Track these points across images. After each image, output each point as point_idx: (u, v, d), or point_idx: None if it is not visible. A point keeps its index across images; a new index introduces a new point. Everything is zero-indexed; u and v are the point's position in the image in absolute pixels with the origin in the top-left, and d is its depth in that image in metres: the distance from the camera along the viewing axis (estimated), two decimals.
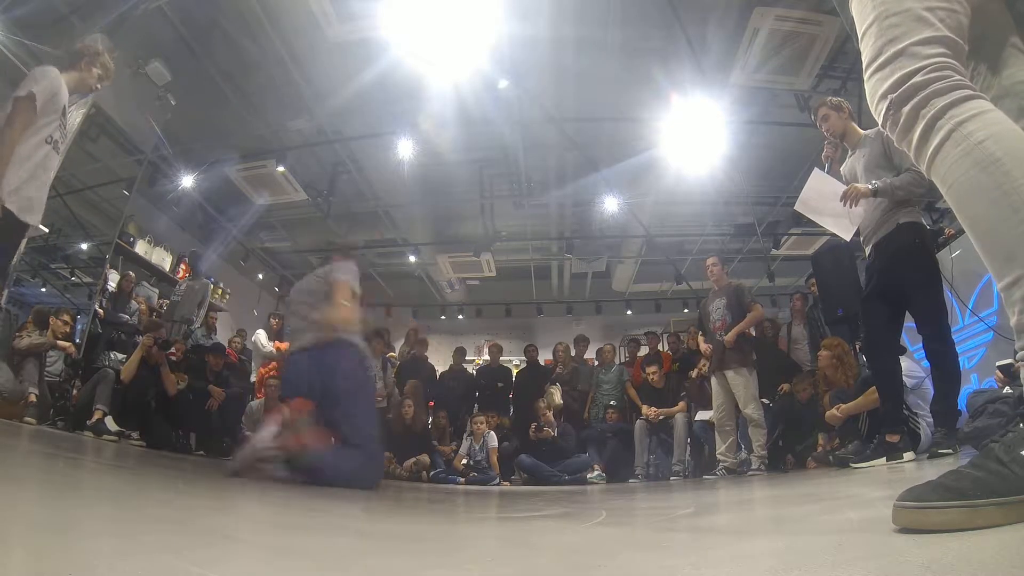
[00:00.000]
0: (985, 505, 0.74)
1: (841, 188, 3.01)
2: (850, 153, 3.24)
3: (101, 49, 2.94)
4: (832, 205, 3.06)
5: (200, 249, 8.01)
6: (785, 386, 5.09)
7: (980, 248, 0.88)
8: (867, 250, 3.13)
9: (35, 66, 2.98)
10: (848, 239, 3.23)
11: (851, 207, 2.97)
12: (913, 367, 3.46)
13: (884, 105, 0.98)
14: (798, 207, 3.33)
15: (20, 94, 2.62)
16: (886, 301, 2.97)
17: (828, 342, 4.32)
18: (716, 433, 4.76)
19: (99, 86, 2.95)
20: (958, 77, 0.92)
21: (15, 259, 2.96)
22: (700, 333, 5.19)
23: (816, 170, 3.30)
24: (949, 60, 0.94)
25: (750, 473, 4.46)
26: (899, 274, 2.92)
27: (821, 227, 3.52)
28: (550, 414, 5.82)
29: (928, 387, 3.19)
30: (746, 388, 4.55)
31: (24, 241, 3.08)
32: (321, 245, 9.69)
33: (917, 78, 0.93)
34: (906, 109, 0.94)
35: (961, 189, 0.88)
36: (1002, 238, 0.83)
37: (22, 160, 2.61)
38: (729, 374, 4.61)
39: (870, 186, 2.90)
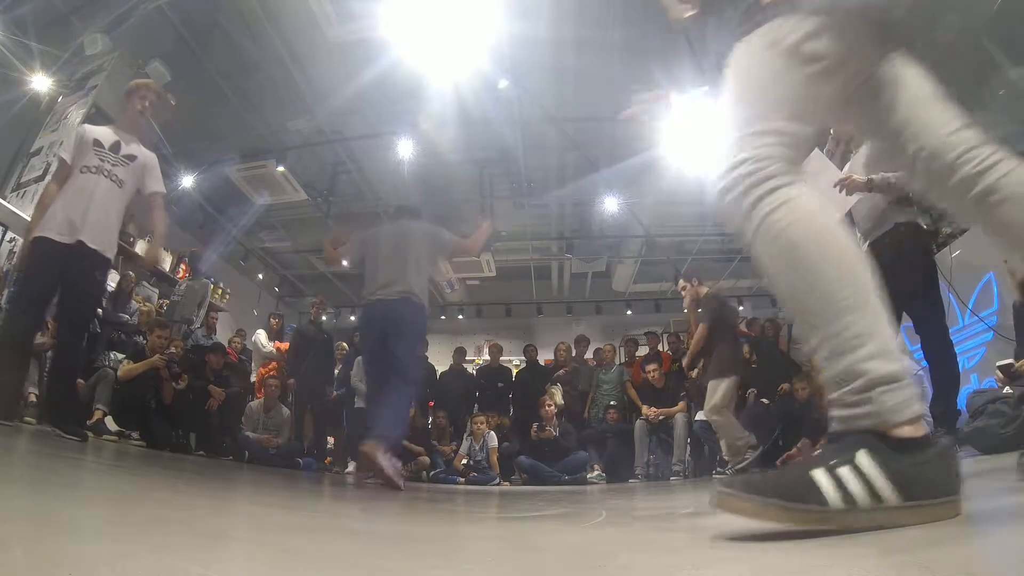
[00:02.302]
0: (772, 505, 0.87)
1: (838, 174, 3.03)
2: (853, 153, 3.24)
3: (142, 83, 3.40)
4: (825, 187, 3.07)
5: (200, 249, 8.01)
6: (785, 386, 5.09)
7: (795, 319, 1.02)
8: (863, 248, 3.14)
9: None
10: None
11: (845, 194, 2.99)
12: (912, 366, 3.46)
13: (717, 190, 1.06)
14: None
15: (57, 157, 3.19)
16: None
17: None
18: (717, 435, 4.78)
19: (148, 104, 3.33)
20: (777, 166, 1.01)
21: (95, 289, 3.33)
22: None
23: (816, 150, 3.30)
24: (778, 149, 1.02)
25: (724, 473, 4.54)
26: (895, 274, 2.92)
27: None
28: (553, 410, 5.80)
29: (926, 386, 3.19)
30: (711, 394, 4.55)
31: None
32: (321, 245, 9.69)
33: (741, 168, 1.01)
34: (730, 197, 1.03)
35: (772, 270, 1.01)
36: (805, 311, 0.98)
37: (62, 195, 3.03)
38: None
39: (866, 178, 2.91)
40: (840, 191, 2.98)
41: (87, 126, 3.27)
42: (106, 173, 3.11)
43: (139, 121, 3.35)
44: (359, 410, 5.81)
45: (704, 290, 5.05)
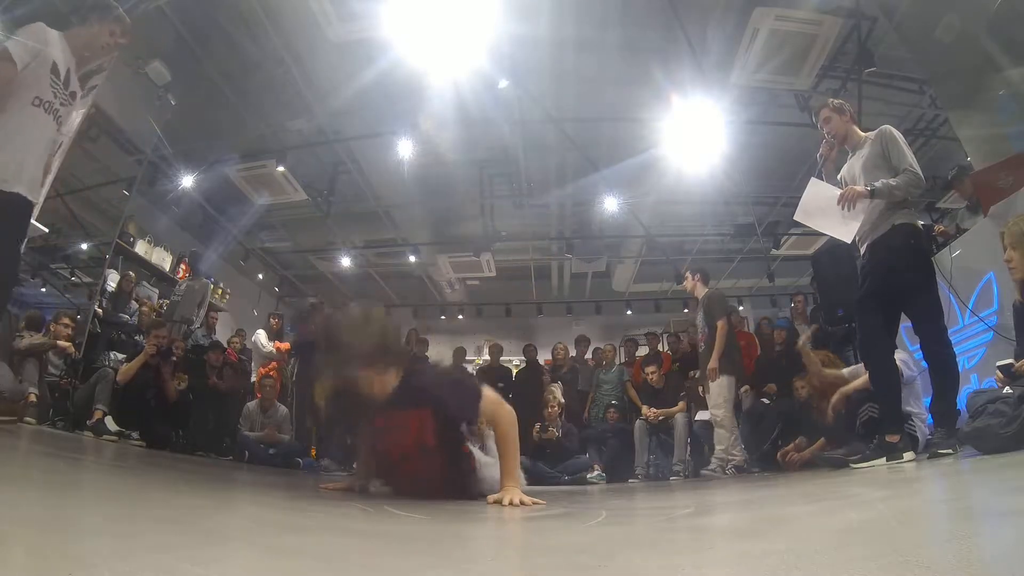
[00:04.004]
0: None
1: (837, 192, 3.01)
2: (850, 155, 3.21)
3: (123, 19, 2.81)
4: (831, 210, 3.04)
5: (200, 249, 8.01)
6: (772, 386, 5.12)
7: None
8: (861, 249, 3.13)
9: None
10: (849, 241, 3.19)
11: (849, 209, 2.96)
12: (906, 360, 3.44)
13: None
14: (798, 217, 3.31)
15: None
16: (881, 302, 2.96)
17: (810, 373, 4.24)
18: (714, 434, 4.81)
19: (116, 42, 2.79)
20: None
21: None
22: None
23: (812, 179, 3.28)
24: None
25: (703, 472, 4.64)
26: (894, 276, 2.91)
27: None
28: (556, 411, 5.77)
29: (919, 385, 3.19)
30: (717, 392, 4.64)
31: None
32: (321, 245, 9.71)
33: None
34: None
35: None
36: None
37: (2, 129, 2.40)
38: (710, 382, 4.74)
39: (867, 188, 2.89)
40: (844, 209, 2.95)
41: (52, 33, 2.64)
42: (55, 113, 2.59)
43: (96, 52, 2.83)
44: None
45: (703, 290, 5.08)
